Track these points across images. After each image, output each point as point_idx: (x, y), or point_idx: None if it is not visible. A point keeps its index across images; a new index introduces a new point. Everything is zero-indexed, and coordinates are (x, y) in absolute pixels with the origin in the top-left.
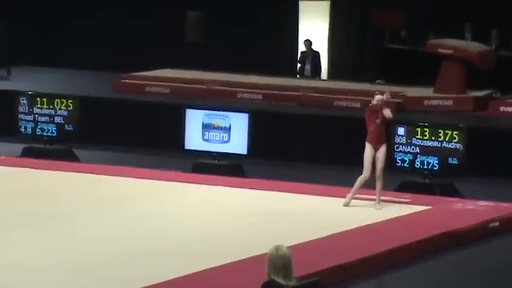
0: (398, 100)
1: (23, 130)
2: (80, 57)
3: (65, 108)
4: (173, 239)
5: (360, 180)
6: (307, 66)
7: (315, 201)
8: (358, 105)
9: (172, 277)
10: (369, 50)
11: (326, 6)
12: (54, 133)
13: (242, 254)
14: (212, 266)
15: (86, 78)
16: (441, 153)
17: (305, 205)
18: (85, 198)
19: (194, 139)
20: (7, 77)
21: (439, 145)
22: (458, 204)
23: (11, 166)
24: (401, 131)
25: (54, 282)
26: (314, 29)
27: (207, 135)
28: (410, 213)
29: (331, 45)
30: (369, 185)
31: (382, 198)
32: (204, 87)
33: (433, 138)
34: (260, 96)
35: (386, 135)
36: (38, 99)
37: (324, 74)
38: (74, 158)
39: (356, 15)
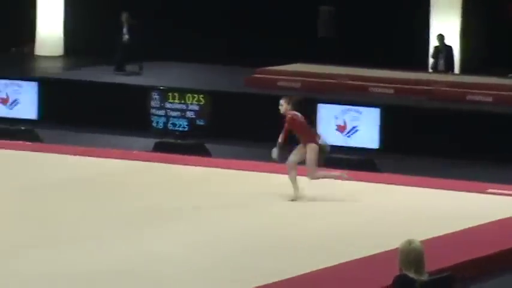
0: None
1: (154, 125)
2: (212, 51)
3: (196, 103)
4: (308, 234)
5: None
6: (441, 61)
7: (458, 196)
8: (490, 99)
9: (306, 271)
10: (503, 44)
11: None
12: (185, 128)
13: (375, 249)
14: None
15: (218, 73)
16: None
17: (444, 201)
18: (217, 194)
19: (326, 133)
20: (139, 72)
21: None
22: None
23: (143, 161)
24: None
25: (195, 275)
26: (446, 23)
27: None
28: None
29: (463, 39)
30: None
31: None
32: (335, 81)
33: None
34: (392, 91)
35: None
36: (170, 94)
37: (457, 68)
38: (205, 153)
39: (490, 7)
